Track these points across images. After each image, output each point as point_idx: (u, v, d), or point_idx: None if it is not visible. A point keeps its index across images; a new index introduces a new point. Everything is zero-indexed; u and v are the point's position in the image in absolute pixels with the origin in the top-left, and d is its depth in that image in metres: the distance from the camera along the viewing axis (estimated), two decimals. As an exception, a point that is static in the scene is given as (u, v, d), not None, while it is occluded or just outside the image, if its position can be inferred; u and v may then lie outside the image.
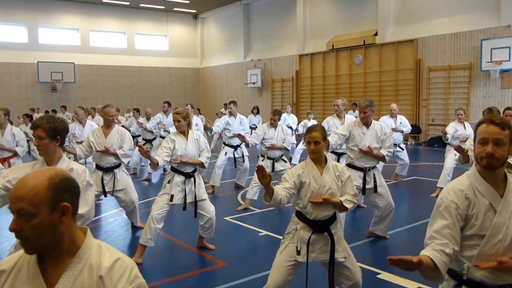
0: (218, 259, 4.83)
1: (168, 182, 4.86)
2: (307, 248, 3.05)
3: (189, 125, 4.94)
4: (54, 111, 18.76)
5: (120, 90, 24.47)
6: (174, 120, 4.91)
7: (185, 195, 4.82)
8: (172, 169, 4.90)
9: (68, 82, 22.21)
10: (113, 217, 6.70)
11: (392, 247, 5.29)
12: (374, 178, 5.06)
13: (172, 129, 7.96)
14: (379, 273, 4.34)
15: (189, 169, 4.90)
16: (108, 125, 5.72)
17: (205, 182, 8.84)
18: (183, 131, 4.90)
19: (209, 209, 4.99)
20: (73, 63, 22.17)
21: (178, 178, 4.83)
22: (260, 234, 5.67)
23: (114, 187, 5.57)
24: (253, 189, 6.88)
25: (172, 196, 4.78)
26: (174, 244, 5.39)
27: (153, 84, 25.61)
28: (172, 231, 5.89)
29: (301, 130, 11.06)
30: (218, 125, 8.43)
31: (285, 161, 7.05)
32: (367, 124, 5.06)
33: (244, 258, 4.89)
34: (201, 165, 4.97)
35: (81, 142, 7.09)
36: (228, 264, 4.69)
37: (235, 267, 4.61)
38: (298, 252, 3.06)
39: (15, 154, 6.62)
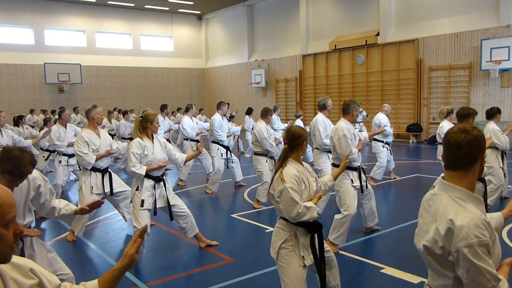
0: (226, 255, 5.03)
1: (137, 190, 4.82)
2: (312, 250, 3.10)
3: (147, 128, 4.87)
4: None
5: (126, 90, 24.74)
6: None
7: (155, 200, 4.81)
8: None
9: (75, 83, 22.46)
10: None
11: (395, 242, 5.49)
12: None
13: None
14: (382, 268, 4.52)
15: (158, 173, 4.89)
16: (98, 125, 5.77)
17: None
18: (148, 134, 4.87)
19: (183, 208, 5.07)
20: (80, 64, 22.43)
21: (148, 183, 4.81)
22: (267, 231, 5.88)
23: (112, 186, 5.65)
24: (263, 192, 7.08)
25: (142, 201, 4.74)
26: (183, 241, 5.57)
27: (159, 85, 25.85)
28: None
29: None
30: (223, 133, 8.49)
31: None
32: None
33: (251, 254, 5.11)
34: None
35: (71, 145, 7.20)
36: (236, 260, 4.90)
37: (243, 263, 4.81)
38: (303, 258, 3.09)
39: None
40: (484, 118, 6.74)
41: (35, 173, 3.15)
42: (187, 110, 9.64)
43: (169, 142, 10.70)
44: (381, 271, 4.46)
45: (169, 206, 4.90)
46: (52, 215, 3.31)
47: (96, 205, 3.29)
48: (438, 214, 1.84)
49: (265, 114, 7.29)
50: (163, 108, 11.32)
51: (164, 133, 10.74)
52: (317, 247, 3.11)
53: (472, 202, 1.81)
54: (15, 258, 1.48)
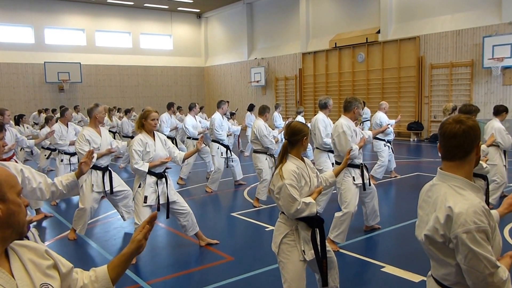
0: (227, 254, 5.02)
1: (139, 187, 4.86)
2: (313, 245, 3.07)
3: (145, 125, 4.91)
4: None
5: (126, 89, 24.72)
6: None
7: (158, 196, 4.85)
8: None
9: (75, 82, 22.45)
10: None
11: (396, 241, 5.47)
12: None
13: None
14: (383, 267, 4.49)
15: (160, 169, 4.94)
16: (100, 123, 5.79)
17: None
18: (151, 132, 4.92)
19: (184, 205, 5.08)
20: (79, 63, 22.41)
21: (150, 179, 4.85)
22: (267, 229, 5.87)
23: (112, 185, 5.65)
24: (263, 191, 7.08)
25: (146, 197, 4.79)
26: (183, 240, 5.56)
27: (159, 84, 25.83)
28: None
29: None
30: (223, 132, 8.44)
31: None
32: None
33: (251, 253, 5.10)
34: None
35: (73, 144, 7.21)
36: (236, 258, 4.89)
37: (243, 262, 4.80)
38: (303, 252, 3.07)
39: (14, 154, 6.89)
40: (486, 116, 6.69)
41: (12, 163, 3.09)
42: (190, 109, 9.62)
43: (175, 140, 10.68)
44: (382, 269, 4.44)
45: (167, 204, 4.92)
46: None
47: (91, 154, 3.35)
48: (438, 203, 1.87)
49: (263, 112, 7.29)
50: (169, 106, 11.27)
51: (170, 131, 10.72)
52: (318, 242, 3.09)
53: (471, 190, 1.84)
54: (29, 242, 1.53)
